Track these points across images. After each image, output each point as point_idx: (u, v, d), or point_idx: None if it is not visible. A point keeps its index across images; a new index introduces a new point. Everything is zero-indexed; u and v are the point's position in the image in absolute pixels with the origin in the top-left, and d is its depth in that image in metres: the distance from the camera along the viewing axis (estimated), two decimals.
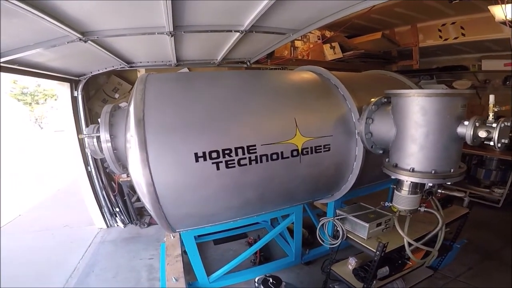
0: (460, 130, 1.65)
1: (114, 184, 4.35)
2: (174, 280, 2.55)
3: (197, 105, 1.93)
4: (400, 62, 5.91)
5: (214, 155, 1.81)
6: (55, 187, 7.09)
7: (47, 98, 24.37)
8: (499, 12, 3.06)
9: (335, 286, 2.79)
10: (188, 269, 2.83)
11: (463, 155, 1.87)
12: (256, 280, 2.63)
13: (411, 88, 2.75)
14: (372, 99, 2.14)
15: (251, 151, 1.90)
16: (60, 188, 7.03)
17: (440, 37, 5.06)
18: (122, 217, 4.46)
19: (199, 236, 3.60)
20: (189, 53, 3.49)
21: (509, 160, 4.38)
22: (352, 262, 2.68)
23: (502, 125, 1.54)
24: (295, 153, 2.06)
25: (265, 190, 2.15)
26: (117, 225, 4.49)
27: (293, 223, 2.98)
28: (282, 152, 2.01)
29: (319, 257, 3.36)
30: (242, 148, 1.87)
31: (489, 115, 1.61)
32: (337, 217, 2.43)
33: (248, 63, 4.25)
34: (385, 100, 2.09)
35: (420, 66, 5.74)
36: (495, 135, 1.54)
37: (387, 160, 1.98)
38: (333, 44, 5.33)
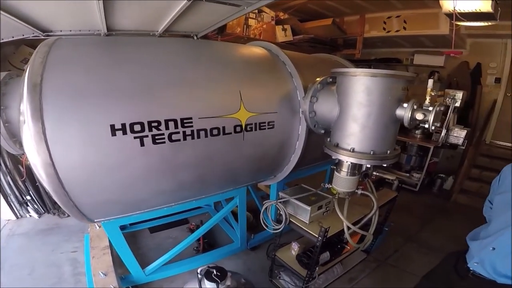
0: (399, 112, 1.66)
1: (21, 168, 3.58)
2: (102, 275, 2.27)
3: (119, 70, 1.60)
4: (344, 51, 6.08)
5: (137, 127, 1.50)
6: None
7: None
8: (448, 3, 3.18)
9: (281, 272, 2.74)
10: (120, 261, 2.51)
11: None
12: (198, 272, 2.43)
13: None
14: (318, 78, 2.05)
15: (186, 125, 1.64)
16: None
17: (384, 29, 5.34)
18: (36, 206, 3.74)
19: (131, 224, 3.26)
20: (124, 21, 2.91)
21: (426, 147, 4.89)
22: (295, 247, 2.63)
23: (438, 109, 1.59)
24: (238, 128, 1.88)
25: (204, 171, 1.93)
26: (30, 216, 3.76)
27: (237, 206, 2.83)
28: (224, 127, 1.81)
29: (265, 242, 3.29)
30: (175, 120, 1.60)
31: (426, 99, 1.64)
32: (280, 200, 2.33)
33: (195, 37, 3.84)
34: (331, 79, 2.03)
35: (361, 56, 6.03)
36: (431, 118, 1.58)
37: (328, 139, 1.93)
38: (285, 26, 5.24)
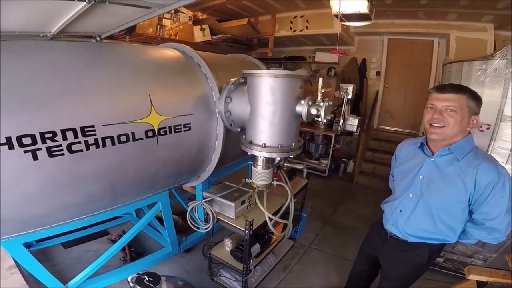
0: (298, 108, 1.88)
1: None
2: None
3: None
4: (259, 50, 6.33)
5: (27, 140, 1.34)
6: None
7: None
8: (335, 5, 3.50)
9: (220, 270, 2.79)
10: (35, 279, 2.21)
11: (299, 132, 2.14)
12: (129, 280, 2.26)
13: None
14: (231, 79, 2.16)
15: (88, 134, 1.53)
16: None
17: (291, 28, 5.68)
18: None
19: (37, 241, 2.87)
20: (5, 21, 2.40)
21: (329, 135, 5.53)
22: (228, 244, 2.67)
23: (327, 104, 1.87)
24: (150, 133, 1.84)
25: (116, 179, 1.83)
26: None
27: (161, 211, 2.75)
28: (133, 133, 1.75)
29: (198, 242, 3.27)
30: (74, 130, 1.48)
31: (318, 95, 1.91)
32: (205, 200, 2.34)
33: (98, 38, 3.40)
34: (242, 80, 2.15)
35: (273, 55, 6.39)
36: (322, 112, 1.85)
37: (244, 137, 2.06)
38: (203, 26, 5.20)
